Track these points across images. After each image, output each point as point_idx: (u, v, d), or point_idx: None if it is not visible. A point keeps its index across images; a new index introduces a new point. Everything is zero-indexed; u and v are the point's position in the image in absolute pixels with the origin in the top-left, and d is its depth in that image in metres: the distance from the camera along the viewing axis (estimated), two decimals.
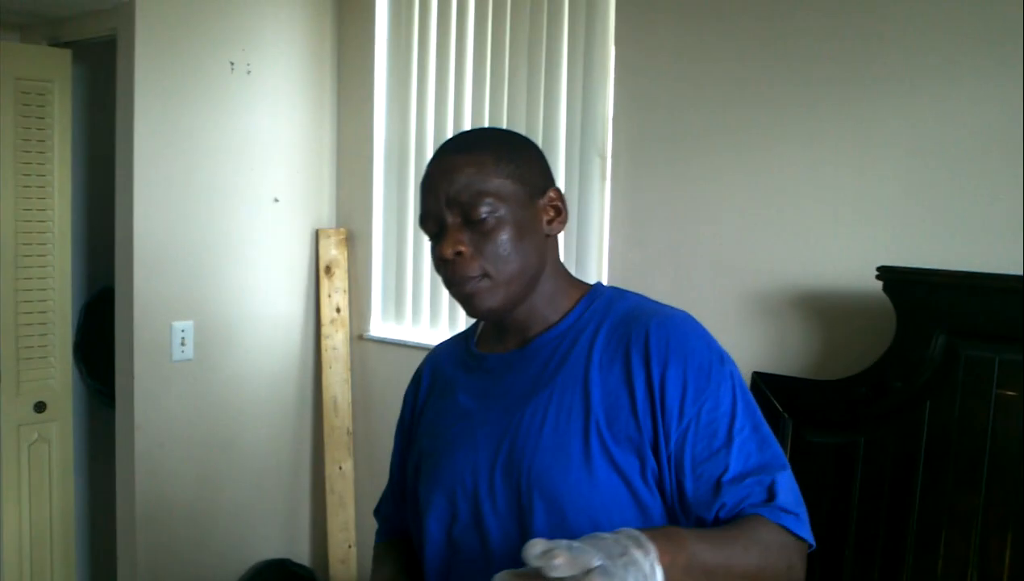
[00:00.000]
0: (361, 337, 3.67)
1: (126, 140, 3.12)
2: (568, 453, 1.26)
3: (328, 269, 3.64)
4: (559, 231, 1.39)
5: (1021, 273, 2.08)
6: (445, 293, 3.38)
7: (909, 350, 2.14)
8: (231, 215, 3.39)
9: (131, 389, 3.18)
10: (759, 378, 2.38)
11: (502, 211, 1.30)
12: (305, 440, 3.75)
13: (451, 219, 1.30)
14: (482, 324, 1.52)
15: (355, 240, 3.70)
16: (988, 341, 2.05)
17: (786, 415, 2.29)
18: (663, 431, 1.23)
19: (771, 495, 1.20)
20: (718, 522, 1.21)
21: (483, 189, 1.29)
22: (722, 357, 1.28)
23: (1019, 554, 1.99)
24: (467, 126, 3.28)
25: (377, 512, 1.68)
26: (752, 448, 1.23)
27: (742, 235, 2.59)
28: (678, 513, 1.25)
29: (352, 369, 3.70)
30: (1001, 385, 2.03)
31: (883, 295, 2.18)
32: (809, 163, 2.46)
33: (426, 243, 3.41)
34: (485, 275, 1.30)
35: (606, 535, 1.02)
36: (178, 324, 3.25)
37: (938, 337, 2.11)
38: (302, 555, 3.79)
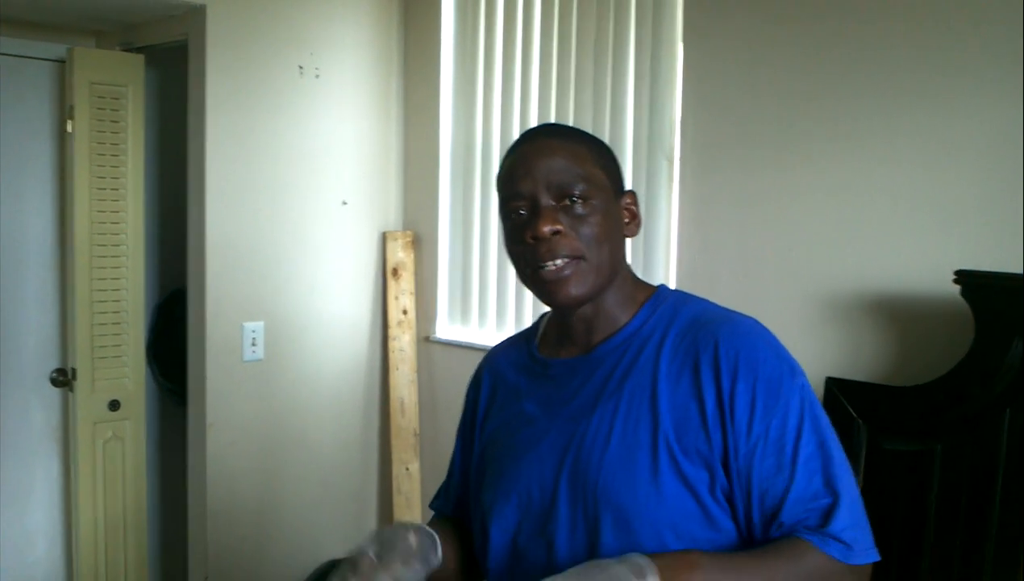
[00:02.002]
0: (427, 339, 3.69)
1: (198, 143, 3.18)
2: (636, 466, 1.24)
3: (395, 271, 3.66)
4: (634, 234, 1.39)
5: None
6: (511, 295, 3.38)
7: (988, 356, 2.10)
8: (300, 217, 3.43)
9: (203, 388, 3.23)
10: (833, 383, 2.35)
11: (597, 199, 1.30)
12: (372, 441, 3.78)
13: (546, 200, 1.28)
14: (543, 327, 1.51)
15: (422, 243, 3.71)
16: None
17: (861, 421, 2.25)
18: (732, 446, 1.21)
19: (826, 520, 1.18)
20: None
21: (582, 174, 1.29)
22: (792, 369, 1.25)
23: None
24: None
25: (432, 505, 1.68)
26: (816, 466, 1.20)
27: (813, 238, 2.55)
28: (741, 527, 1.24)
29: (418, 371, 3.72)
30: None
31: (961, 300, 2.13)
32: (884, 164, 2.42)
33: (492, 246, 3.44)
34: (580, 257, 1.28)
35: (610, 562, 1.10)
36: (249, 325, 3.29)
37: (1018, 343, 2.06)
38: None
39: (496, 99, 3.42)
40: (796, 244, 2.60)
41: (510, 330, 3.39)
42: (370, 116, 3.63)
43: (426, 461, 3.73)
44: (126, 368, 3.51)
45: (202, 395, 3.24)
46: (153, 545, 3.80)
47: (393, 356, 3.66)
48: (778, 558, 1.17)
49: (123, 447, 3.52)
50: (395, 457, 3.69)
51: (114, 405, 3.47)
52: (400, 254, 3.68)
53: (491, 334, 3.48)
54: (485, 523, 1.40)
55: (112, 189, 3.40)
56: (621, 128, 3.04)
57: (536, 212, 1.28)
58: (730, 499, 1.23)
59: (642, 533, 1.22)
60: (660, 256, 2.97)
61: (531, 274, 1.32)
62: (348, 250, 3.60)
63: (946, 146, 2.31)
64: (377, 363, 3.71)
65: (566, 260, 1.28)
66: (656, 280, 2.93)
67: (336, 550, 3.66)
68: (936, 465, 2.15)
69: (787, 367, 1.25)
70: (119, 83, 3.37)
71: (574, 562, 1.23)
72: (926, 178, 2.35)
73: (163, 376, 3.76)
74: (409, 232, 3.72)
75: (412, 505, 3.71)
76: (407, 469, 3.70)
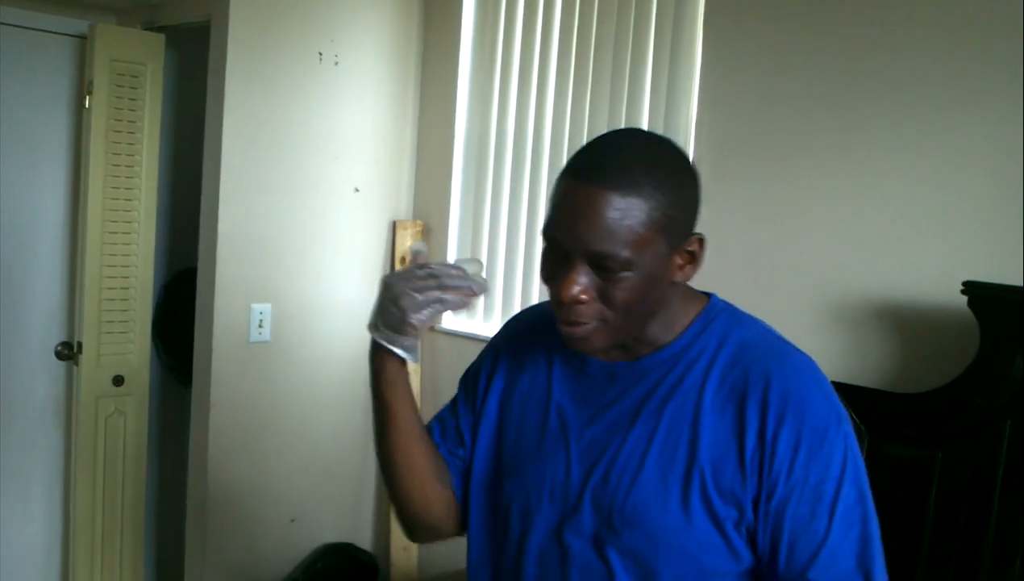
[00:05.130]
0: (432, 329, 3.69)
1: (215, 125, 3.19)
2: (667, 494, 1.21)
3: (404, 260, 3.68)
4: (687, 279, 1.27)
5: None
6: (518, 288, 3.40)
7: (992, 367, 2.12)
8: (313, 203, 3.45)
9: (208, 367, 3.24)
10: (835, 388, 2.36)
11: (641, 265, 1.18)
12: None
13: (579, 261, 1.17)
14: None
15: (431, 233, 3.73)
16: None
17: (863, 426, 2.27)
18: (767, 488, 1.18)
19: None
20: None
21: (629, 241, 1.15)
22: (839, 417, 1.22)
23: None
24: (549, 125, 3.29)
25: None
26: (855, 518, 1.18)
27: (824, 244, 2.57)
28: (763, 569, 1.22)
29: (423, 360, 3.74)
30: None
31: (967, 310, 2.15)
32: (895, 173, 2.44)
33: (501, 238, 3.46)
34: (602, 320, 1.20)
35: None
36: (257, 306, 3.31)
37: (1021, 355, 2.08)
38: (365, 540, 3.83)
39: (512, 92, 3.44)
40: (806, 249, 2.62)
41: None
42: (387, 105, 3.65)
43: None
44: (131, 344, 3.53)
45: (207, 374, 3.26)
46: (150, 522, 3.82)
47: None
48: None
49: (125, 422, 3.54)
50: None
51: (118, 380, 3.49)
52: (409, 243, 3.70)
53: (497, 326, 3.47)
54: (504, 509, 1.38)
55: (127, 166, 3.42)
56: (636, 124, 3.05)
57: (566, 269, 1.19)
58: (751, 538, 1.21)
59: (662, 561, 1.21)
60: None
61: (556, 312, 1.24)
62: (358, 237, 3.62)
63: (957, 158, 2.33)
64: None
65: (586, 324, 1.21)
66: None
67: (333, 534, 3.69)
68: (936, 472, 2.17)
69: (835, 415, 1.21)
70: (139, 61, 3.39)
71: (586, 577, 1.27)
72: (937, 189, 2.37)
73: (167, 354, 3.78)
74: (419, 222, 3.75)
75: None
76: None
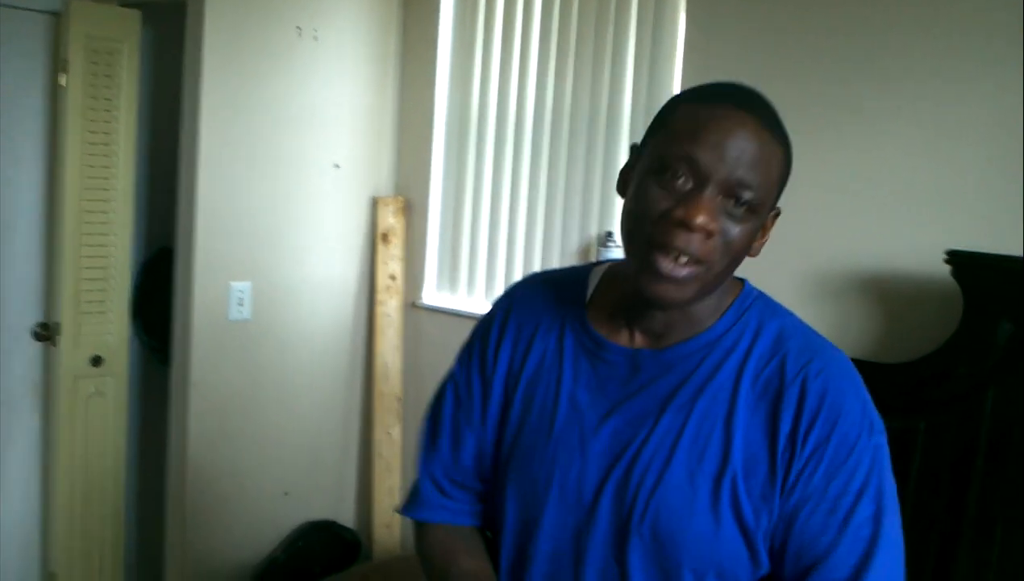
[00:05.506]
0: (414, 305, 3.69)
1: (192, 101, 3.16)
2: (695, 497, 1.14)
3: (385, 236, 3.66)
4: (755, 255, 1.20)
5: None
6: (500, 264, 3.40)
7: (975, 336, 2.13)
8: (292, 179, 3.42)
9: (188, 346, 3.23)
10: None
11: (758, 217, 1.13)
12: (355, 404, 3.78)
13: (714, 188, 1.08)
14: (595, 285, 1.32)
15: (412, 209, 3.71)
16: None
17: None
18: (789, 486, 1.12)
19: None
20: None
21: (764, 183, 1.11)
22: (871, 426, 1.15)
23: None
24: (531, 95, 3.28)
25: (429, 479, 1.40)
26: (865, 534, 1.11)
27: (805, 216, 2.57)
28: (772, 566, 1.17)
29: (404, 336, 3.73)
30: None
31: (951, 279, 2.16)
32: (877, 145, 2.44)
33: (484, 214, 3.45)
34: (702, 262, 1.10)
35: None
36: (236, 284, 3.29)
37: (1004, 324, 2.09)
38: (348, 518, 3.83)
39: (494, 69, 3.42)
40: (789, 221, 2.58)
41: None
42: (366, 80, 3.62)
43: (408, 426, 3.74)
44: (110, 324, 3.49)
45: (186, 353, 3.24)
46: (131, 503, 3.79)
47: (379, 321, 3.67)
48: None
49: (105, 403, 3.50)
50: (377, 421, 3.70)
51: (96, 361, 3.45)
52: (390, 219, 3.68)
53: (479, 302, 3.49)
54: (505, 505, 1.29)
55: (103, 144, 3.37)
56: (619, 103, 3.06)
57: (698, 193, 1.08)
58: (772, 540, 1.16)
59: (685, 567, 1.15)
60: None
61: (644, 247, 1.11)
62: (338, 214, 3.59)
63: (939, 128, 2.34)
64: (363, 328, 3.71)
65: (692, 261, 1.09)
66: None
67: (316, 512, 3.68)
68: (919, 442, 2.18)
69: (867, 423, 1.15)
70: (115, 38, 3.34)
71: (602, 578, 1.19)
72: (918, 159, 2.37)
73: (147, 334, 3.75)
74: (400, 198, 3.72)
75: (392, 469, 3.72)
76: (389, 434, 3.71)
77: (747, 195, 1.09)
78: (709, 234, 1.08)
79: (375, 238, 3.67)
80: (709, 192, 1.08)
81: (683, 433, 1.16)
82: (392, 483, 3.72)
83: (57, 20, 3.35)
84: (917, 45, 2.37)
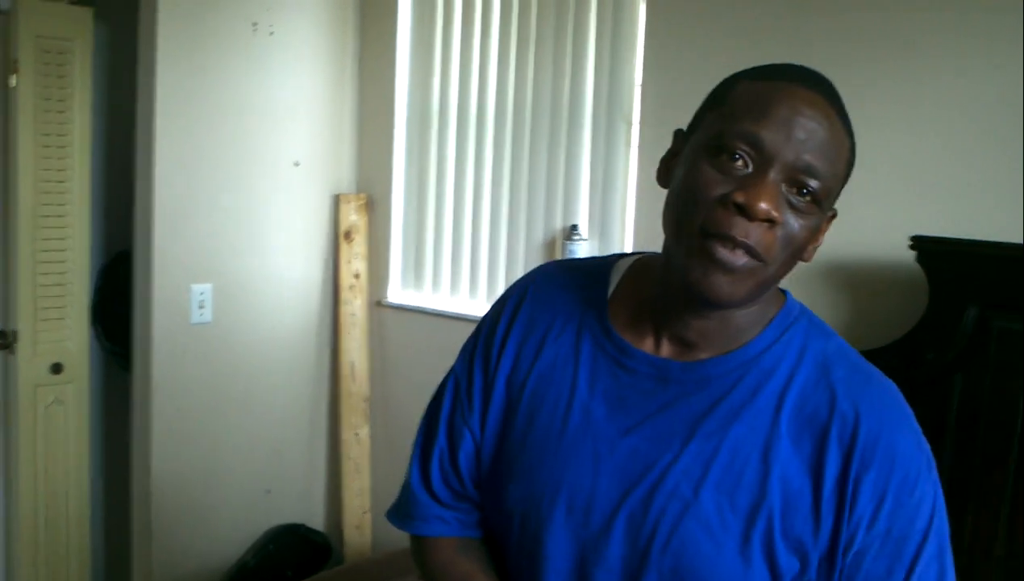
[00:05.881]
0: (379, 303, 3.65)
1: (147, 101, 3.10)
2: (725, 533, 1.01)
3: (347, 234, 3.61)
4: (807, 261, 1.08)
5: None
6: (466, 260, 3.36)
7: (941, 322, 2.12)
8: (251, 178, 3.37)
9: (149, 351, 3.17)
10: None
11: (820, 211, 1.01)
12: (322, 406, 3.74)
13: (774, 174, 0.96)
14: (617, 283, 1.17)
15: (375, 206, 3.67)
16: (1021, 313, 2.02)
17: None
18: (846, 539, 1.01)
19: None
20: None
21: (831, 173, 0.99)
22: (929, 461, 1.05)
23: None
24: (492, 89, 3.25)
25: (424, 487, 1.23)
26: (932, 574, 1.03)
27: None
28: None
29: (370, 335, 3.69)
30: None
31: (916, 265, 2.15)
32: None
33: (448, 210, 3.41)
34: (760, 257, 0.98)
35: None
36: (197, 287, 3.23)
37: (971, 309, 2.08)
38: (317, 521, 3.79)
39: (455, 60, 3.38)
40: None
41: (464, 296, 3.37)
42: (324, 76, 3.57)
43: (376, 427, 3.70)
44: (69, 330, 3.43)
45: (147, 358, 3.18)
46: (96, 511, 3.74)
47: (344, 320, 3.62)
48: None
49: (65, 411, 3.44)
50: (345, 422, 3.66)
51: (56, 368, 3.39)
52: (353, 217, 3.63)
53: (444, 299, 3.45)
54: (506, 520, 1.15)
55: (58, 146, 3.30)
56: (580, 90, 3.03)
57: (759, 178, 0.96)
58: None
59: None
60: (616, 220, 2.96)
61: (694, 236, 0.99)
62: (300, 212, 3.54)
63: (904, 112, 2.33)
64: (328, 328, 3.66)
65: (749, 254, 0.97)
66: (613, 245, 2.96)
67: (285, 516, 3.63)
68: None
69: (925, 460, 1.05)
70: (66, 37, 3.28)
71: None
72: (883, 144, 2.35)
73: (108, 339, 3.69)
74: (362, 195, 3.68)
75: (361, 471, 3.68)
76: (357, 435, 3.67)
77: (813, 184, 0.97)
78: (772, 224, 0.97)
79: (338, 236, 3.62)
80: (772, 176, 0.96)
81: (715, 460, 1.03)
82: (361, 484, 3.69)
83: (6, 19, 3.28)
84: (877, 29, 2.36)
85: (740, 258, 0.96)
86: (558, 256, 3.01)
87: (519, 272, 3.18)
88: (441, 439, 1.21)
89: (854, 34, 2.40)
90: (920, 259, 2.14)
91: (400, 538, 1.44)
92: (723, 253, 0.96)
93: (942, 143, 2.27)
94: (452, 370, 1.25)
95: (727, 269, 0.96)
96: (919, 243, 2.14)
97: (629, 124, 2.90)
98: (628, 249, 2.90)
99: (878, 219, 2.36)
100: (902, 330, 2.21)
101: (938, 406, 2.10)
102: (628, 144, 2.90)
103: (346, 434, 3.66)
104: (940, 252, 2.13)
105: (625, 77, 2.91)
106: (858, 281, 2.40)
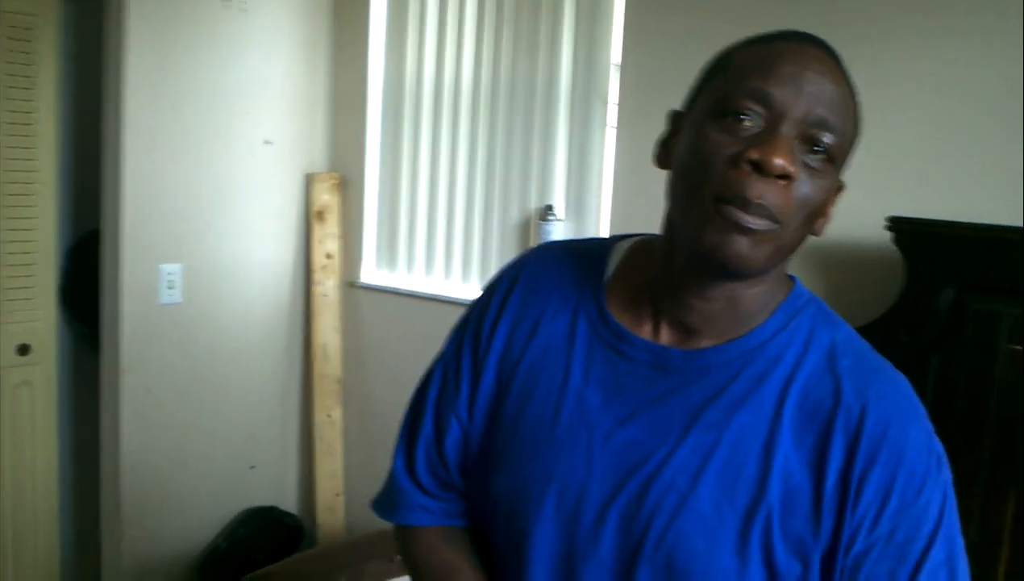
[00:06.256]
0: (353, 284, 3.62)
1: (115, 79, 3.05)
2: (721, 529, 0.97)
3: (320, 214, 3.57)
4: (818, 234, 1.02)
5: None
6: (440, 240, 3.33)
7: (917, 303, 2.11)
8: (222, 157, 3.32)
9: (117, 332, 3.13)
10: None
11: (835, 167, 0.96)
12: (294, 388, 3.71)
13: (790, 128, 0.92)
14: (616, 265, 1.12)
15: (348, 185, 3.63)
16: (997, 295, 2.02)
17: None
18: (847, 538, 0.96)
19: None
20: None
21: (842, 128, 0.95)
22: (939, 460, 1.00)
23: (1022, 512, 1.97)
24: (467, 68, 3.21)
25: (409, 476, 1.19)
26: (940, 580, 0.97)
27: None
28: None
29: (343, 317, 3.65)
30: (1009, 340, 2.00)
31: (892, 246, 2.14)
32: None
33: (422, 189, 3.37)
34: (777, 220, 0.92)
35: None
36: (166, 267, 3.19)
37: (947, 291, 2.07)
38: (289, 503, 3.76)
39: (430, 38, 3.34)
40: None
41: (439, 276, 3.35)
42: (297, 53, 3.52)
43: (349, 408, 3.67)
44: (37, 311, 3.38)
45: (116, 339, 3.14)
46: (65, 497, 3.69)
47: (316, 301, 3.59)
48: None
49: (32, 393, 3.40)
50: (317, 404, 3.63)
51: (23, 350, 3.35)
52: (325, 197, 3.59)
53: (419, 280, 3.42)
54: (491, 513, 1.11)
55: (24, 124, 3.25)
56: (556, 69, 3.00)
57: (772, 134, 0.92)
58: None
59: None
60: (592, 200, 2.94)
61: (707, 203, 0.93)
62: (271, 192, 3.50)
63: (881, 92, 2.31)
64: (300, 308, 3.62)
65: (766, 213, 0.92)
66: (588, 226, 2.94)
67: (257, 498, 3.60)
68: None
69: (935, 458, 1.00)
70: (31, 12, 3.22)
71: None
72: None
73: (78, 320, 3.64)
74: (335, 174, 3.64)
75: (334, 452, 3.65)
76: (329, 416, 3.64)
77: (827, 138, 0.93)
78: (788, 181, 0.91)
79: (310, 216, 3.58)
80: (785, 131, 0.92)
81: (714, 453, 0.98)
82: (334, 467, 3.66)
83: None
84: (854, 10, 2.35)
85: (757, 220, 0.91)
86: (533, 237, 2.99)
87: (493, 252, 3.15)
88: (427, 427, 1.17)
89: (832, 15, 2.38)
90: (896, 240, 2.13)
91: (373, 521, 1.40)
92: (740, 214, 0.91)
93: (919, 124, 2.26)
94: (440, 355, 1.20)
95: (745, 230, 0.91)
96: (895, 224, 2.12)
97: (605, 103, 2.87)
98: (604, 230, 2.87)
99: (854, 200, 2.32)
100: (878, 311, 2.19)
101: (914, 388, 2.09)
102: (604, 124, 2.88)
103: (319, 416, 3.63)
104: (916, 233, 2.12)
105: (602, 56, 2.88)
106: (834, 262, 2.39)
